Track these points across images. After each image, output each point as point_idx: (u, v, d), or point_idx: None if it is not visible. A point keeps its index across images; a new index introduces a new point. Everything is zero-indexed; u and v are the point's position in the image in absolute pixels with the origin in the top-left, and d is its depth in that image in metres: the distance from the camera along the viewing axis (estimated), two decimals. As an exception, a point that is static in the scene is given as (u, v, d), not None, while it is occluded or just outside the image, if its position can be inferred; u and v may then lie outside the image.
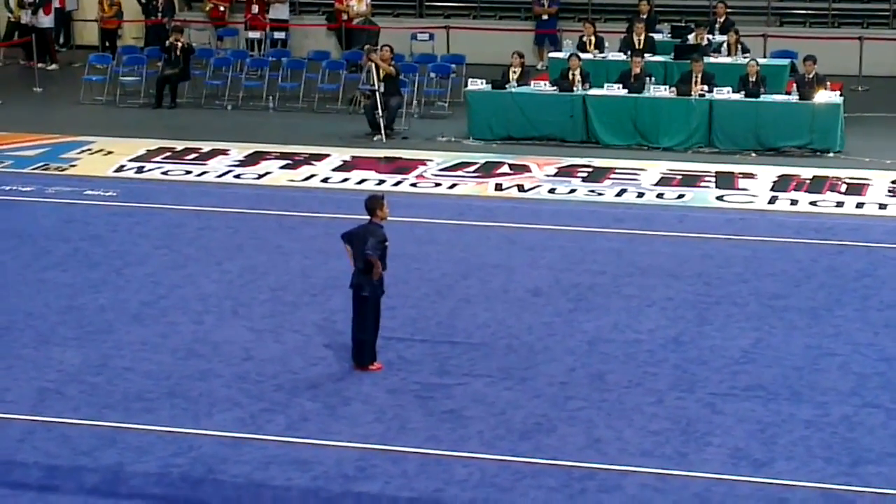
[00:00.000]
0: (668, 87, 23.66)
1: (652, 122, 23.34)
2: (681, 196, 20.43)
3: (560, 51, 27.02)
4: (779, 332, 14.93)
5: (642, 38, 25.98)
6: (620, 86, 23.62)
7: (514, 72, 24.17)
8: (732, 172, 21.61)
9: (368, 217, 13.65)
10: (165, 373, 13.84)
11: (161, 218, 19.41)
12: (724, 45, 25.91)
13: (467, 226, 19.00)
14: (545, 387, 13.49)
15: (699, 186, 20.91)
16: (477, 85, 24.13)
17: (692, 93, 23.13)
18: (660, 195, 20.49)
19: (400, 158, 22.71)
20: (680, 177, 21.41)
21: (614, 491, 11.40)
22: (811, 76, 23.37)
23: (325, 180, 21.50)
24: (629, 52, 25.21)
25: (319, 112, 26.51)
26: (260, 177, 21.74)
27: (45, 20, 30.98)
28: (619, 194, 20.54)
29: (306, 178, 21.67)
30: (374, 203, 13.66)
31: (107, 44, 31.36)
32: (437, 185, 21.18)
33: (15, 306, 15.76)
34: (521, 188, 20.94)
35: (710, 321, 15.29)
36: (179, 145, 23.62)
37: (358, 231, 13.67)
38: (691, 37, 26.08)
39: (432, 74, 27.08)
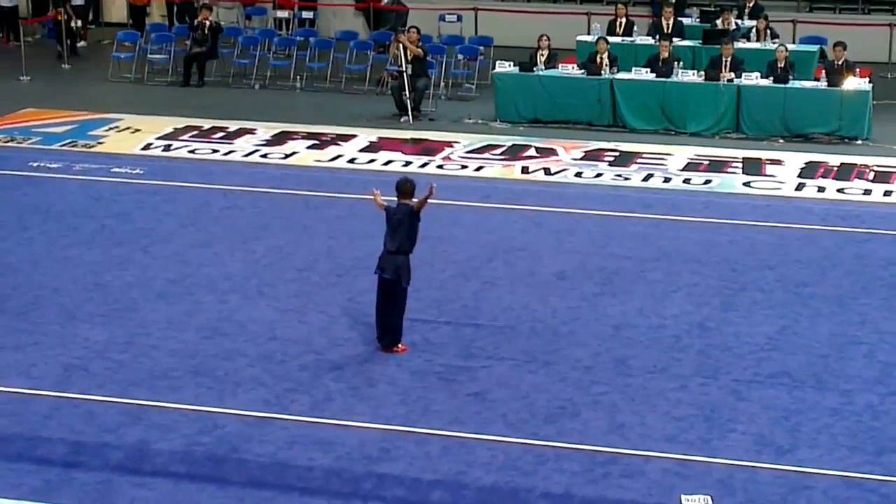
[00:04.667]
0: (696, 71, 23.59)
1: (679, 106, 23.28)
2: (707, 181, 20.37)
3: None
4: (804, 320, 14.90)
5: (671, 22, 25.89)
6: (648, 70, 23.56)
7: (542, 54, 24.13)
8: (760, 158, 21.55)
9: (398, 199, 13.68)
10: (191, 351, 13.90)
11: (187, 196, 19.46)
12: (753, 30, 25.80)
13: (493, 208, 18.99)
14: (569, 371, 13.50)
15: (726, 172, 20.86)
16: (504, 67, 24.09)
17: (721, 78, 23.06)
18: (686, 180, 20.44)
19: (427, 140, 22.71)
20: (707, 162, 21.36)
21: (637, 476, 11.41)
22: (840, 62, 23.27)
23: (351, 161, 21.51)
24: (657, 37, 25.14)
25: (347, 92, 26.52)
26: (287, 156, 21.76)
27: (78, -2, 31.07)
28: (645, 179, 20.50)
29: (333, 158, 21.68)
30: (407, 186, 13.66)
31: (132, 21, 31.41)
32: (464, 167, 21.17)
33: (41, 283, 15.83)
34: (547, 171, 20.91)
35: (735, 307, 15.26)
36: (206, 124, 23.66)
37: (396, 210, 13.67)
38: (719, 21, 25.99)
39: (460, 56, 27.05)
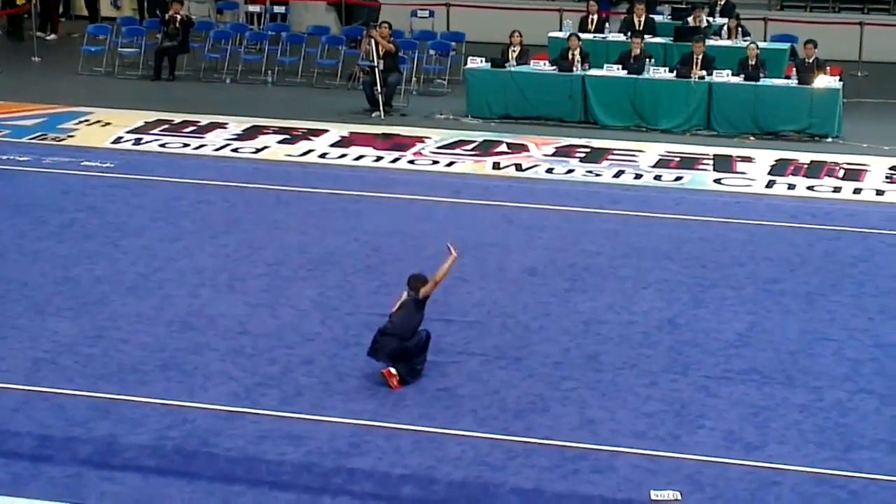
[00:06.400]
0: (667, 68, 23.63)
1: (651, 103, 23.30)
2: (678, 178, 20.41)
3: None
4: (774, 316, 14.95)
5: (643, 19, 25.91)
6: (620, 67, 23.58)
7: (514, 50, 24.13)
8: (730, 155, 21.59)
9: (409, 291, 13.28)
10: (160, 345, 13.85)
11: (158, 190, 19.39)
12: (725, 27, 25.86)
13: (464, 204, 18.98)
14: (539, 366, 13.51)
15: (697, 169, 20.90)
16: (476, 63, 24.08)
17: (692, 75, 23.11)
18: (657, 177, 20.48)
19: (398, 135, 22.68)
20: (678, 159, 21.39)
21: (607, 471, 11.43)
22: (811, 60, 23.35)
23: (322, 156, 21.47)
24: (629, 33, 25.17)
25: (318, 87, 26.45)
26: (258, 151, 21.70)
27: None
28: (616, 175, 20.52)
29: (304, 153, 21.63)
30: (416, 281, 13.22)
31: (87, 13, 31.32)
32: (435, 162, 21.15)
33: (10, 276, 15.76)
34: (518, 167, 20.92)
35: (705, 304, 15.30)
36: (177, 118, 23.58)
37: (406, 302, 13.21)
38: (690, 18, 26.02)
39: (432, 52, 27.01)
